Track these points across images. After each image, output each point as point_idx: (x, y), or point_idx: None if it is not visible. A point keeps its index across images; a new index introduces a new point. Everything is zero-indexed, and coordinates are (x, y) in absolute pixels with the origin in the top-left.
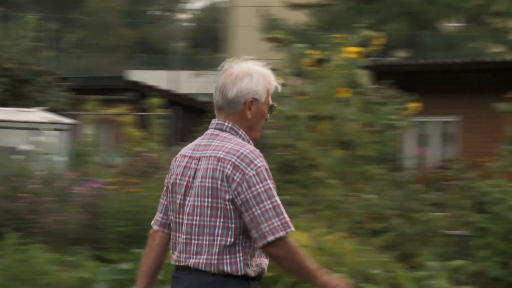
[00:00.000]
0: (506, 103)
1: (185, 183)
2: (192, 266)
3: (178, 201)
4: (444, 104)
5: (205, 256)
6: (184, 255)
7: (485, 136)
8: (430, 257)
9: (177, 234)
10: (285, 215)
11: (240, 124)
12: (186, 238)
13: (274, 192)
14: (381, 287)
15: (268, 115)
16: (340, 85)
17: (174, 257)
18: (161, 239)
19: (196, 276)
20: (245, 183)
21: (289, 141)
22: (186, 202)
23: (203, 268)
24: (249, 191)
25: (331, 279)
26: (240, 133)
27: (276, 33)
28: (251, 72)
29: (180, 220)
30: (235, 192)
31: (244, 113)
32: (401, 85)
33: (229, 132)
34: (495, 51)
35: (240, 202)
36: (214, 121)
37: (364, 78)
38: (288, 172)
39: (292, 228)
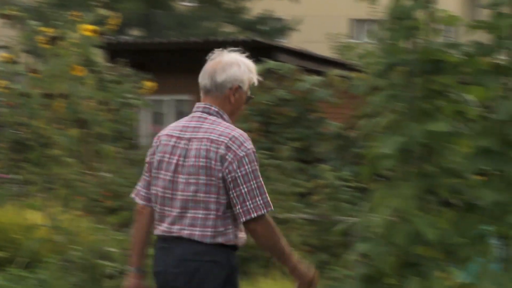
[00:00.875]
0: None
1: (174, 161)
2: (186, 237)
3: (167, 177)
4: (179, 83)
5: (200, 228)
6: (177, 227)
7: None
8: None
9: (167, 208)
10: (267, 195)
11: (223, 108)
12: (180, 212)
13: (259, 173)
14: (117, 264)
15: (244, 104)
16: (75, 63)
17: (163, 229)
18: (150, 213)
19: (189, 245)
20: (236, 162)
21: (23, 120)
22: (179, 179)
23: (198, 239)
24: (238, 170)
25: (302, 265)
26: (224, 117)
27: (8, 10)
28: (239, 62)
29: (172, 196)
30: (226, 170)
31: (229, 97)
32: (136, 64)
33: (215, 115)
34: (228, 30)
35: (230, 179)
36: (200, 104)
37: (99, 56)
38: (22, 151)
39: (272, 207)
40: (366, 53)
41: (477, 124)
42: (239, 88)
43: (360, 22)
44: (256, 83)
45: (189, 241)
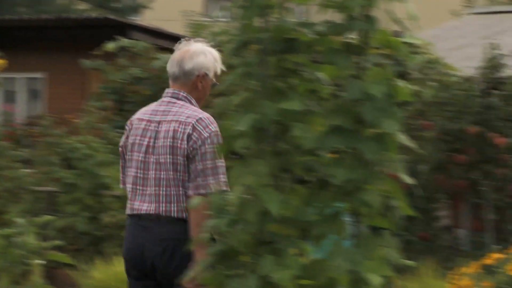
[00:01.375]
0: (92, 60)
1: (145, 143)
2: (163, 214)
3: (140, 158)
4: (31, 61)
5: (175, 204)
6: (154, 205)
7: (72, 92)
8: (19, 213)
9: (141, 187)
10: (222, 176)
11: (191, 94)
12: (154, 190)
13: (220, 155)
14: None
15: (209, 91)
16: None
17: (138, 207)
18: (128, 192)
19: (168, 224)
20: (199, 141)
21: None
22: (150, 160)
23: (175, 215)
24: (199, 149)
25: (200, 259)
26: (192, 102)
27: None
28: (205, 51)
29: (145, 176)
30: (190, 148)
31: (196, 84)
32: None
33: (184, 100)
34: (81, 8)
35: (191, 156)
36: (169, 90)
37: None
38: None
39: (224, 188)
40: (220, 31)
41: (330, 103)
42: (205, 75)
43: (214, 0)
44: (219, 71)
45: (168, 219)
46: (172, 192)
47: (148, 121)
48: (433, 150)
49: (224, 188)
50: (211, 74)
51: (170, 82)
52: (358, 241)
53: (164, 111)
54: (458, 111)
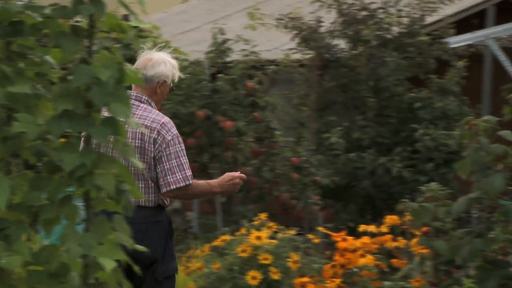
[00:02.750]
0: None
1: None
2: (133, 203)
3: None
4: None
5: (144, 195)
6: None
7: None
8: None
9: None
10: (187, 171)
11: (151, 97)
12: None
13: (183, 153)
14: None
15: (166, 95)
16: None
17: None
18: None
19: (137, 210)
20: (164, 144)
21: None
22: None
23: (142, 204)
24: (164, 151)
25: (220, 182)
26: (152, 105)
27: None
28: (165, 61)
29: None
30: (156, 151)
31: (155, 89)
32: None
33: (146, 103)
34: None
35: (157, 157)
36: (132, 93)
37: None
38: None
39: (190, 181)
40: None
41: (59, 87)
42: (164, 82)
43: None
44: (177, 78)
45: (136, 207)
46: (141, 185)
47: None
48: None
49: (190, 181)
50: (169, 81)
51: (133, 86)
52: (90, 225)
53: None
54: (187, 95)
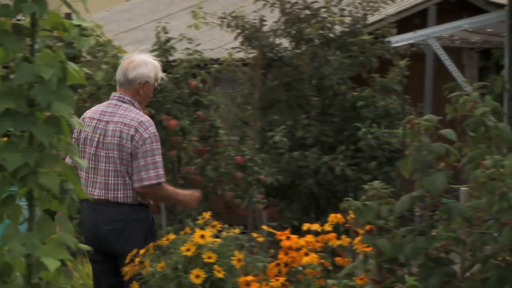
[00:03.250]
0: None
1: (96, 139)
2: (112, 200)
3: (91, 152)
4: None
5: (121, 192)
6: (104, 192)
7: None
8: None
9: (94, 176)
10: (160, 169)
11: (134, 98)
12: (104, 179)
13: (158, 152)
14: None
15: (151, 95)
16: None
17: (93, 193)
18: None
19: (116, 207)
20: (140, 141)
21: None
22: (100, 153)
23: (121, 201)
24: (140, 148)
25: (185, 193)
26: (135, 105)
27: None
28: (147, 62)
29: (96, 166)
30: (133, 147)
31: (138, 90)
32: None
33: (128, 103)
34: None
35: (134, 153)
36: (116, 94)
37: None
38: None
39: (163, 179)
40: None
41: (0, 85)
42: (146, 83)
43: None
44: (160, 78)
45: (116, 203)
46: (119, 181)
47: (98, 120)
48: None
49: (162, 180)
50: (151, 82)
51: (117, 87)
52: (34, 225)
53: (111, 112)
54: None
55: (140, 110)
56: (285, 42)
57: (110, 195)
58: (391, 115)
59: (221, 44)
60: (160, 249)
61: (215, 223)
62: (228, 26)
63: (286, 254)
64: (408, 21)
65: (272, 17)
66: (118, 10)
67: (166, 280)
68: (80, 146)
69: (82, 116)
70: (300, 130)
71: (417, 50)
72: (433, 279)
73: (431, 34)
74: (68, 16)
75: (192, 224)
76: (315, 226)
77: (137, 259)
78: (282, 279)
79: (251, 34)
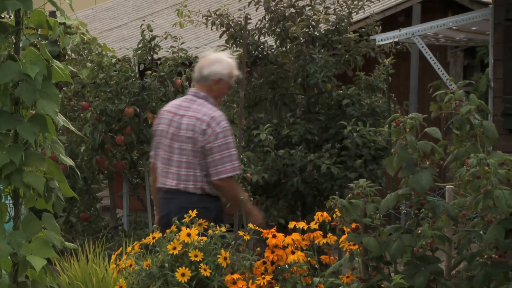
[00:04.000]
0: None
1: (171, 131)
2: (183, 190)
3: (167, 143)
4: None
5: (192, 183)
6: (176, 182)
7: None
8: None
9: (168, 166)
10: (235, 162)
11: (209, 94)
12: (177, 170)
13: (232, 145)
14: None
15: (226, 92)
16: None
17: (165, 183)
18: (158, 169)
19: (185, 196)
20: (213, 136)
21: None
22: (174, 146)
23: (191, 191)
24: (214, 142)
25: (254, 209)
26: (210, 100)
27: None
28: (221, 60)
29: (170, 157)
30: (205, 142)
31: (211, 87)
32: None
33: (203, 99)
34: None
35: (207, 148)
36: (192, 89)
37: None
38: None
39: (238, 172)
40: None
41: None
42: (220, 80)
43: None
44: (235, 76)
45: (185, 193)
46: (190, 173)
47: (174, 113)
48: (92, 131)
49: (238, 171)
50: (225, 79)
51: (194, 83)
52: (19, 223)
53: (186, 106)
54: (116, 92)
55: (214, 106)
56: (270, 40)
57: (181, 185)
58: (376, 113)
59: (206, 42)
60: (146, 248)
61: (201, 221)
62: (213, 24)
63: (273, 252)
64: (393, 19)
65: (257, 15)
66: (102, 8)
67: (152, 278)
68: (157, 138)
69: (161, 109)
70: (285, 128)
71: (402, 48)
72: (419, 277)
73: (415, 32)
74: (52, 14)
75: (178, 222)
76: (301, 224)
77: (123, 257)
78: (268, 277)
79: (236, 32)
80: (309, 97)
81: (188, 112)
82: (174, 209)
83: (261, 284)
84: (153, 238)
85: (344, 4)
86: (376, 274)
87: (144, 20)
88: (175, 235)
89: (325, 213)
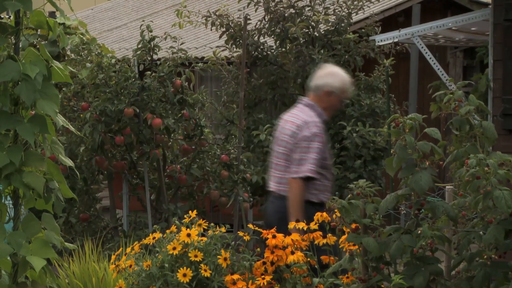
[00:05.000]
0: None
1: (276, 136)
2: (278, 192)
3: (274, 148)
4: None
5: (284, 186)
6: (274, 185)
7: None
8: None
9: (272, 170)
10: (311, 166)
11: (318, 104)
12: (276, 173)
13: (315, 151)
14: None
15: (338, 105)
16: None
17: (270, 186)
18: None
19: (279, 200)
20: (300, 138)
21: None
22: (276, 149)
23: (283, 194)
24: (300, 143)
25: (296, 220)
26: (316, 108)
27: None
28: (335, 74)
29: (273, 161)
30: (294, 143)
31: (321, 98)
32: None
33: (308, 107)
34: None
35: (294, 149)
36: (303, 98)
37: None
38: None
39: (310, 174)
40: None
41: None
42: (331, 92)
43: None
44: (348, 91)
45: (279, 196)
46: (285, 176)
47: (283, 119)
48: (91, 132)
49: (309, 174)
50: (337, 92)
51: (308, 91)
52: (19, 223)
53: (291, 113)
54: (116, 92)
55: (318, 115)
56: (270, 41)
57: (278, 187)
58: (376, 114)
59: (206, 42)
60: (146, 248)
61: (201, 221)
62: (213, 24)
63: (272, 252)
64: (392, 20)
65: (256, 16)
66: (101, 8)
67: (152, 279)
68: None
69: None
70: None
71: (401, 49)
72: (419, 278)
73: (415, 33)
74: (52, 14)
75: (178, 223)
76: (301, 225)
77: (123, 258)
78: (268, 278)
79: (235, 33)
80: None
81: (290, 118)
82: (270, 212)
83: (261, 284)
84: (153, 238)
85: (344, 4)
86: (376, 275)
87: (143, 21)
88: (175, 235)
89: (324, 214)
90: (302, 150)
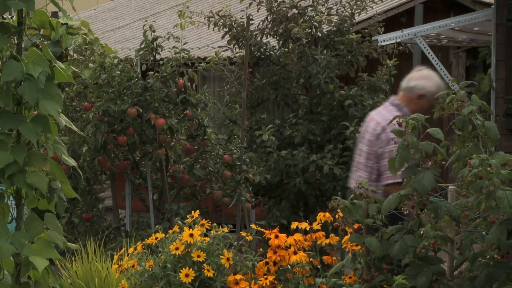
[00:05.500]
0: None
1: (361, 133)
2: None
3: (358, 145)
4: None
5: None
6: (353, 181)
7: None
8: None
9: (353, 168)
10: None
11: (407, 105)
12: (355, 171)
13: None
14: None
15: (426, 109)
16: None
17: (351, 184)
18: None
19: None
20: (386, 141)
21: None
22: (359, 147)
23: None
24: (386, 147)
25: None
26: (404, 109)
27: None
28: (430, 77)
29: (356, 158)
30: (378, 146)
31: (412, 100)
32: None
33: (396, 107)
34: None
35: (380, 152)
36: (392, 97)
37: None
38: None
39: (399, 179)
40: None
41: None
42: (423, 95)
43: None
44: (441, 95)
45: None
46: (364, 175)
47: (370, 117)
48: (94, 132)
49: (399, 180)
50: (429, 96)
51: (399, 91)
52: (22, 224)
53: (378, 111)
54: (119, 92)
55: (405, 114)
56: (272, 41)
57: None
58: None
59: (208, 42)
60: (149, 248)
61: (204, 222)
62: (215, 25)
63: (275, 252)
64: (395, 20)
65: (259, 16)
66: (104, 8)
67: (155, 279)
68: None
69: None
70: (288, 129)
71: (404, 49)
72: (421, 278)
73: (418, 33)
74: (54, 14)
75: (181, 223)
76: (304, 225)
77: (126, 258)
78: (271, 278)
79: (238, 33)
80: (312, 97)
81: (375, 116)
82: None
83: (264, 284)
84: (156, 238)
85: (347, 4)
86: (379, 275)
87: (146, 21)
88: (177, 235)
89: (327, 214)
90: (392, 154)
